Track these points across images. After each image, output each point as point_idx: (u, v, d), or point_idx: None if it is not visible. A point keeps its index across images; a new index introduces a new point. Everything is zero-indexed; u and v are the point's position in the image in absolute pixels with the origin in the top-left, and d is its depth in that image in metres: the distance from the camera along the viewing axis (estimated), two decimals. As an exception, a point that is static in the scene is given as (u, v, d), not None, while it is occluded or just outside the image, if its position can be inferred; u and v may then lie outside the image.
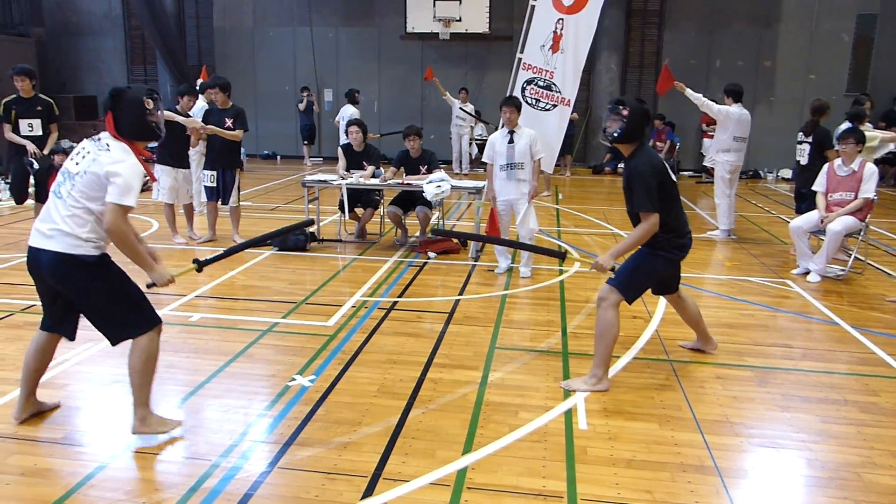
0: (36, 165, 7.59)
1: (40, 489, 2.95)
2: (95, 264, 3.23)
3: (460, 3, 15.35)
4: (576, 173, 15.41)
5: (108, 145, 3.17)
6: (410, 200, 7.68)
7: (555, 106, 6.82)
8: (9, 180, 8.64)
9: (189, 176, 7.89)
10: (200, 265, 3.81)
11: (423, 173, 7.52)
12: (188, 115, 7.63)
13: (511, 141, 6.30)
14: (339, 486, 3.02)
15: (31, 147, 7.51)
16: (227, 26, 17.17)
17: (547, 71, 6.78)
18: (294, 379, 4.12)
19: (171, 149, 7.52)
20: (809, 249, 6.79)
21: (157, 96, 3.32)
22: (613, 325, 4.05)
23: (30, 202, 8.21)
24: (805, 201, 7.42)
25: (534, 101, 6.89)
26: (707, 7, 15.74)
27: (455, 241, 7.58)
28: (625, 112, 3.92)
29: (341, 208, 7.62)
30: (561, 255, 4.60)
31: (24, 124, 7.53)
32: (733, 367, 4.46)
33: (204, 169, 7.93)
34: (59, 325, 3.44)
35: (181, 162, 7.71)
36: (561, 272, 6.76)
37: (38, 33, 16.03)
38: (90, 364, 4.32)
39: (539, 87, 6.84)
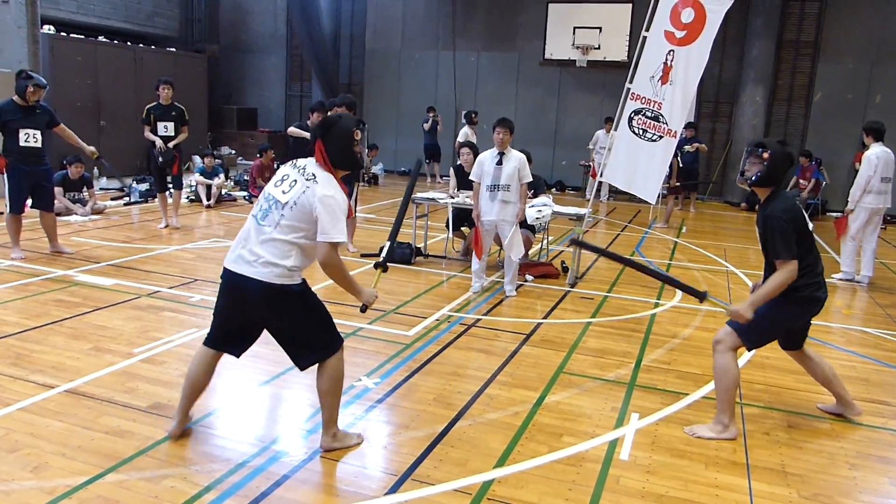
0: (161, 159, 8.72)
1: (117, 447, 3.42)
2: (300, 293, 3.28)
3: (600, 31, 15.33)
4: (708, 208, 14.79)
5: (314, 175, 3.21)
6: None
7: (661, 137, 6.72)
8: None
9: None
10: (384, 265, 3.77)
11: (529, 198, 7.64)
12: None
13: (500, 162, 6.33)
14: (369, 481, 3.24)
15: (159, 143, 8.67)
16: (378, 48, 18.20)
17: (655, 102, 6.70)
18: (360, 380, 4.41)
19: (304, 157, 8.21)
20: (940, 304, 6.19)
21: (365, 126, 3.48)
22: (730, 370, 3.87)
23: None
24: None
25: (641, 132, 6.83)
26: (868, 38, 14.64)
27: (553, 266, 7.63)
28: (765, 155, 3.79)
29: (448, 226, 7.91)
30: (701, 295, 4.05)
31: (160, 126, 8.75)
32: (810, 418, 4.22)
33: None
34: (230, 345, 3.47)
35: None
36: (656, 305, 6.62)
37: (212, 50, 17.85)
38: (191, 348, 4.86)
39: (647, 117, 6.78)
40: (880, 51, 14.60)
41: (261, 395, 4.19)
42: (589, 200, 14.87)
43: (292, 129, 8.39)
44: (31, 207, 7.28)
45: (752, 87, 15.20)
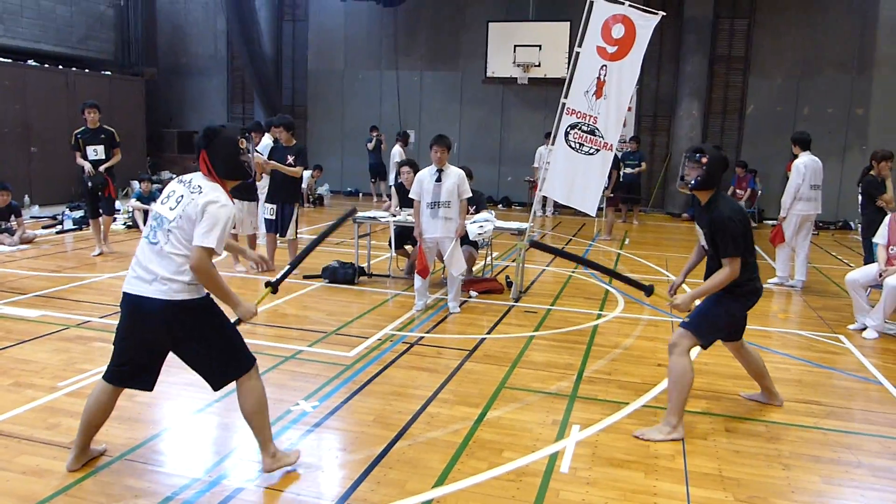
0: (90, 184, 8.59)
1: (34, 487, 3.23)
2: (201, 308, 3.22)
3: (540, 48, 15.56)
4: (650, 220, 15.09)
5: (199, 187, 3.16)
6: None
7: (598, 150, 6.82)
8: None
9: (254, 208, 8.40)
10: (274, 286, 3.66)
11: (471, 213, 7.65)
12: (256, 152, 8.17)
13: (439, 179, 6.41)
14: (303, 507, 3.14)
15: (87, 167, 8.53)
16: (320, 68, 18.12)
17: (590, 116, 6.81)
18: (297, 404, 4.30)
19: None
20: (867, 304, 6.40)
21: (250, 136, 3.39)
22: (687, 372, 3.99)
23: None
24: (868, 252, 7.04)
25: (577, 146, 6.92)
26: (795, 54, 15.26)
27: (498, 281, 7.65)
28: (704, 160, 3.99)
29: (391, 245, 7.85)
30: (648, 289, 4.34)
31: (90, 150, 8.61)
32: (747, 421, 4.28)
33: (265, 202, 8.38)
34: (135, 377, 3.34)
35: (247, 195, 8.22)
36: (598, 316, 6.68)
37: (150, 72, 17.47)
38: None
39: (583, 131, 6.88)
40: (806, 66, 15.23)
41: (193, 424, 4.04)
42: (534, 214, 15.20)
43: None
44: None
45: (688, 101, 15.65)
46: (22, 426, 3.87)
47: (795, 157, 8.04)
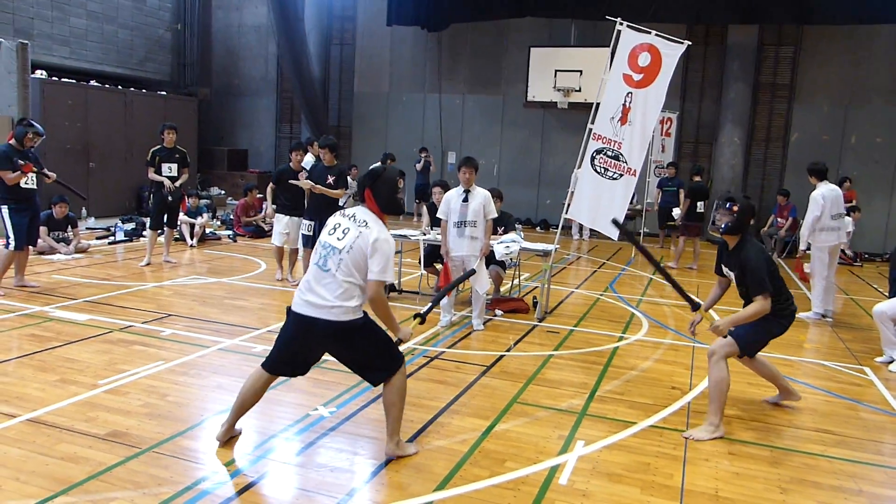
0: (170, 198, 9.21)
1: (70, 472, 3.54)
2: (363, 326, 3.68)
3: (581, 73, 15.75)
4: (688, 246, 14.99)
5: (365, 221, 3.63)
6: (486, 259, 8.00)
7: (621, 175, 6.96)
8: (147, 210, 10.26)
9: (299, 224, 8.78)
10: (422, 318, 4.11)
11: (500, 234, 7.85)
12: (301, 169, 8.63)
13: (465, 200, 6.61)
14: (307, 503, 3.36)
15: (167, 183, 9.06)
16: (366, 91, 18.64)
17: (615, 142, 6.96)
18: (316, 409, 4.54)
19: (285, 198, 8.57)
20: (895, 336, 6.34)
21: (404, 175, 3.95)
22: (724, 378, 4.47)
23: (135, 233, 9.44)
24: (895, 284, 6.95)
25: (602, 171, 7.07)
26: (842, 81, 15.08)
27: (524, 301, 7.80)
28: (735, 208, 4.50)
29: (420, 262, 8.09)
30: (696, 305, 4.60)
31: (164, 167, 9.13)
32: (752, 445, 4.34)
33: (304, 219, 8.71)
34: (290, 371, 3.89)
35: (294, 211, 8.62)
36: (620, 339, 6.77)
37: (204, 93, 18.28)
38: (155, 379, 4.99)
39: (608, 156, 7.03)
40: (853, 94, 15.02)
41: (215, 422, 4.30)
42: (574, 239, 15.31)
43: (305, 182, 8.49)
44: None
45: (731, 127, 15.57)
46: (63, 418, 4.20)
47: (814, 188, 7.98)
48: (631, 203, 15.19)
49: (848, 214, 13.16)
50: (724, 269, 4.78)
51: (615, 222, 5.04)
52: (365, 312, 3.72)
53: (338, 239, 3.63)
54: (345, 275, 3.57)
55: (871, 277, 11.98)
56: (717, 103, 15.84)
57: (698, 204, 11.41)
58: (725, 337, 4.52)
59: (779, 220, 14.29)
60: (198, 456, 3.81)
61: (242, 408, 3.88)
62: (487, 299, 8.06)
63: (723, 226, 4.53)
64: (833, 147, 15.11)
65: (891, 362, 6.27)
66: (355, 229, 3.60)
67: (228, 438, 3.94)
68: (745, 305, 4.60)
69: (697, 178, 11.86)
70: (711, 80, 15.94)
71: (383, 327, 3.81)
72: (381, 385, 3.83)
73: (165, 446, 3.89)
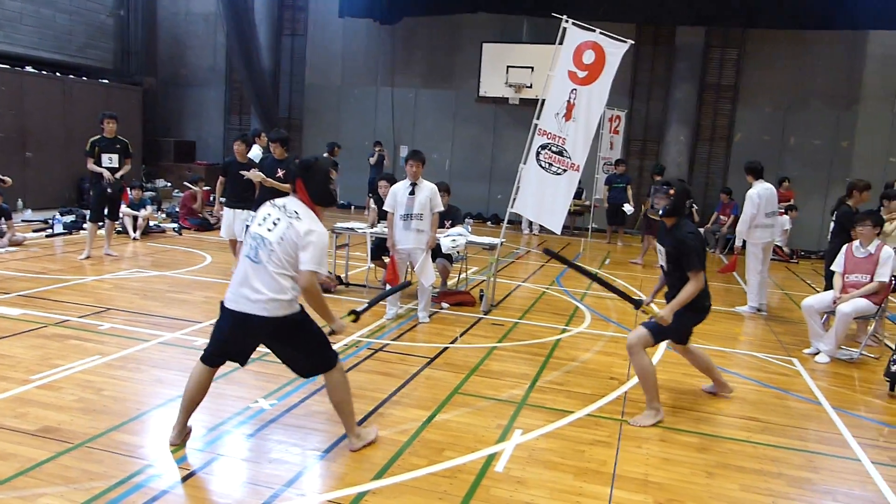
0: (109, 190, 8.96)
1: (-2, 465, 3.46)
2: (300, 321, 3.65)
3: (532, 70, 15.91)
4: (635, 241, 15.34)
5: (296, 213, 3.56)
6: (433, 252, 8.04)
7: (565, 171, 7.09)
8: (87, 202, 10.01)
9: (248, 216, 8.66)
10: (357, 315, 4.01)
11: (447, 228, 7.90)
12: (249, 160, 8.55)
13: (412, 192, 6.69)
14: (245, 495, 3.36)
15: (107, 174, 8.81)
16: (317, 83, 18.46)
17: (560, 137, 7.09)
18: (257, 401, 4.52)
19: (232, 191, 8.49)
20: (822, 329, 6.63)
21: (338, 166, 3.89)
22: (646, 365, 4.64)
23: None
24: (829, 280, 7.26)
25: (547, 165, 7.19)
26: (783, 84, 15.58)
27: (471, 294, 7.88)
28: (671, 192, 4.70)
29: (368, 255, 8.09)
30: (636, 303, 4.84)
31: (105, 158, 8.91)
32: (682, 433, 4.50)
33: (251, 212, 8.60)
34: (230, 359, 3.82)
35: (240, 203, 8.51)
36: (563, 331, 6.90)
37: (149, 82, 17.82)
38: (91, 374, 4.89)
39: (552, 152, 7.15)
40: (794, 97, 15.55)
41: (153, 416, 4.25)
42: (524, 233, 15.49)
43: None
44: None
45: (677, 127, 15.96)
46: (-9, 413, 4.09)
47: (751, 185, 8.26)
48: (580, 199, 15.56)
49: (786, 213, 13.67)
50: (658, 247, 4.90)
51: (547, 251, 5.14)
52: (301, 307, 3.69)
53: (268, 230, 3.57)
54: (276, 267, 3.52)
55: (805, 274, 12.45)
56: (665, 102, 16.20)
57: None
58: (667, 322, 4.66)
59: (721, 217, 14.72)
60: (133, 450, 3.76)
61: (191, 404, 3.81)
62: (434, 292, 8.12)
63: (661, 209, 4.71)
64: (773, 147, 15.63)
65: (816, 353, 6.55)
66: (286, 220, 3.54)
67: (183, 437, 3.84)
68: (667, 283, 4.87)
69: (658, 178, 12.01)
70: (659, 80, 16.28)
71: (319, 321, 3.80)
72: (324, 381, 3.87)
73: (99, 441, 3.83)
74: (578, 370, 5.70)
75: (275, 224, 3.56)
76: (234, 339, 3.69)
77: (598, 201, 15.01)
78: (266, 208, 3.69)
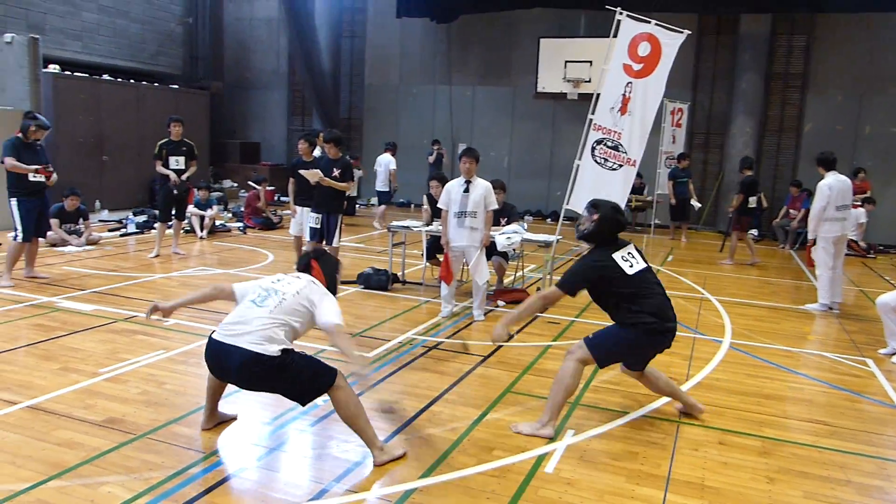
0: (175, 191, 9.31)
1: (65, 457, 3.62)
2: (281, 366, 3.52)
3: (591, 64, 15.66)
4: (701, 238, 14.92)
5: (314, 281, 3.87)
6: (489, 250, 8.01)
7: (621, 166, 6.94)
8: (157, 203, 10.37)
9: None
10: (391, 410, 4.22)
11: (503, 225, 7.86)
12: (313, 158, 8.75)
13: (466, 190, 6.62)
14: (296, 489, 3.42)
15: (173, 176, 9.16)
16: (376, 83, 18.67)
17: (615, 132, 6.94)
18: (311, 397, 4.59)
19: (300, 189, 8.78)
20: (898, 328, 6.28)
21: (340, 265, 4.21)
22: (568, 376, 4.19)
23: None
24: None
25: (602, 161, 7.06)
26: (857, 71, 14.86)
27: (527, 292, 7.82)
28: (595, 216, 4.21)
29: (424, 254, 8.13)
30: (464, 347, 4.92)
31: (172, 160, 9.28)
32: (742, 436, 4.34)
33: (311, 212, 8.74)
34: None
35: (310, 201, 8.69)
36: (620, 330, 6.75)
37: (216, 87, 18.40)
38: (155, 368, 5.07)
39: (608, 147, 7.01)
40: (868, 83, 14.81)
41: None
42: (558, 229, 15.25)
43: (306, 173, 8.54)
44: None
45: (743, 118, 15.42)
46: (62, 405, 4.30)
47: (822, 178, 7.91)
48: (641, 195, 15.24)
49: (862, 205, 13.03)
50: None
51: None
52: (289, 353, 3.56)
53: (285, 284, 3.77)
54: (282, 312, 3.61)
55: (884, 269, 11.84)
56: (729, 94, 15.69)
57: (750, 199, 11.15)
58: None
59: (791, 211, 14.16)
60: (190, 442, 3.89)
61: (213, 395, 3.98)
62: (490, 290, 8.10)
63: (582, 231, 4.28)
64: (847, 137, 14.93)
65: (894, 354, 6.22)
66: (305, 282, 3.80)
67: (216, 424, 4.03)
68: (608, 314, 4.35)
69: (749, 172, 11.58)
70: (723, 71, 15.78)
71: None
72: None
73: (159, 433, 3.97)
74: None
75: (290, 284, 3.77)
76: (215, 373, 3.74)
77: (660, 197, 14.67)
78: (281, 275, 3.90)
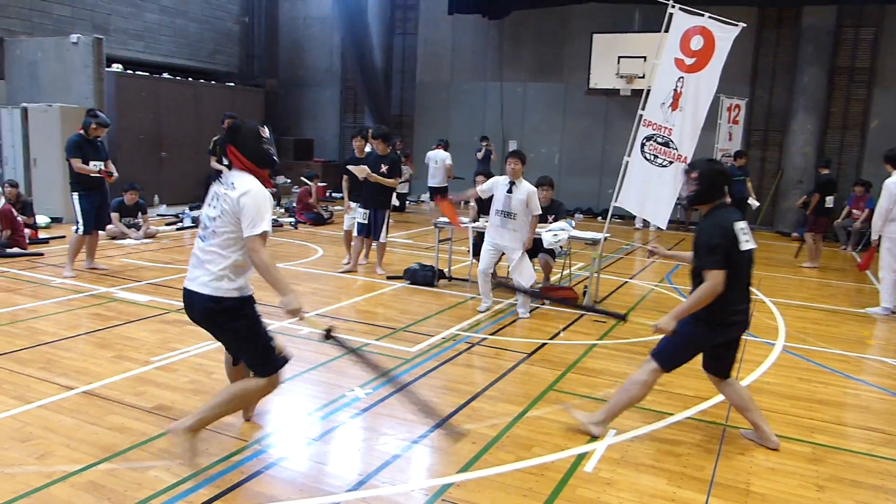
0: None
1: (115, 440, 3.76)
2: (245, 310, 3.49)
3: (644, 60, 15.36)
4: (758, 237, 14.48)
5: (232, 183, 3.41)
6: (535, 247, 7.96)
7: (671, 162, 6.78)
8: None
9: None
10: (328, 335, 3.59)
11: (550, 223, 7.78)
12: (365, 154, 8.82)
13: (510, 191, 6.56)
14: (335, 479, 3.47)
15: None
16: (427, 80, 18.74)
17: (665, 128, 6.79)
18: (352, 390, 4.65)
19: (353, 186, 8.85)
20: (965, 335, 5.98)
21: (269, 128, 3.70)
22: (635, 386, 4.03)
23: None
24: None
25: (652, 157, 6.91)
26: (928, 64, 14.19)
27: (574, 290, 7.74)
28: (693, 175, 3.91)
29: (470, 250, 8.12)
30: (621, 317, 4.45)
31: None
32: (792, 441, 4.20)
33: (359, 207, 8.82)
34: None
35: (360, 198, 8.80)
36: (669, 330, 6.62)
37: (271, 84, 18.77)
38: (204, 358, 5.21)
39: (658, 143, 6.86)
40: (941, 77, 14.14)
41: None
42: (637, 228, 15.05)
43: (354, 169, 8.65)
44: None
45: (804, 115, 14.90)
46: (115, 391, 4.45)
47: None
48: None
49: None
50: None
51: (500, 283, 4.61)
52: (251, 299, 3.52)
53: (213, 208, 3.46)
54: (218, 246, 3.39)
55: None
56: (790, 89, 15.17)
57: (827, 199, 10.66)
58: (673, 334, 3.92)
59: (854, 211, 13.61)
60: (234, 430, 3.98)
61: (232, 375, 3.98)
62: (536, 288, 8.04)
63: (686, 198, 3.96)
64: (916, 134, 14.25)
65: (960, 361, 5.93)
66: (223, 195, 3.40)
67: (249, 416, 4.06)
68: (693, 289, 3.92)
69: (825, 171, 11.14)
70: (784, 65, 15.27)
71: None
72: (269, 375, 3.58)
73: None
74: (681, 371, 5.33)
75: (217, 199, 3.44)
76: (192, 318, 3.59)
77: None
78: (213, 187, 3.56)
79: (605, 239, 7.59)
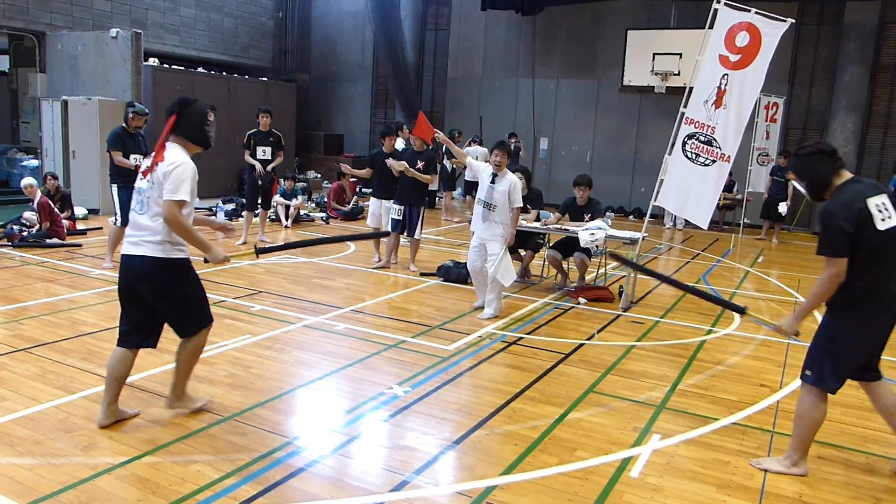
0: (260, 182, 9.61)
1: (159, 434, 3.76)
2: (180, 269, 3.71)
3: (680, 57, 15.13)
4: (794, 239, 14.21)
5: (164, 157, 3.56)
6: (571, 246, 7.87)
7: (714, 161, 6.63)
8: (244, 192, 10.57)
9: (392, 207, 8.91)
10: (259, 252, 4.26)
11: (586, 221, 7.68)
12: (395, 151, 8.80)
13: (493, 182, 6.44)
14: (377, 479, 3.43)
15: (258, 167, 9.39)
16: (459, 76, 18.66)
17: (709, 126, 6.64)
18: (391, 387, 4.61)
19: (379, 182, 8.85)
20: None
21: (216, 112, 3.92)
22: (809, 411, 3.62)
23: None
24: None
25: (693, 156, 6.77)
26: (976, 62, 13.76)
27: (609, 290, 7.63)
28: (792, 176, 3.71)
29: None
30: (740, 310, 4.16)
31: (259, 150, 9.50)
32: (844, 450, 4.07)
33: (393, 203, 8.78)
34: (139, 337, 3.81)
35: (387, 194, 8.78)
36: (709, 332, 6.50)
37: (303, 79, 18.85)
38: (242, 352, 5.21)
39: (700, 141, 6.72)
40: None
41: (294, 394, 4.46)
42: (667, 227, 14.84)
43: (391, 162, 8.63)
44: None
45: (844, 114, 14.57)
46: (156, 384, 4.47)
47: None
48: (731, 192, 14.62)
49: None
50: None
51: (613, 255, 4.96)
52: (187, 260, 3.72)
53: (145, 180, 3.63)
54: (152, 211, 3.58)
55: None
56: (830, 87, 14.84)
57: None
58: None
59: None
60: (274, 426, 3.96)
61: (116, 382, 3.80)
62: (570, 287, 7.95)
63: (804, 191, 3.64)
64: (962, 135, 13.85)
65: None
66: (158, 164, 3.57)
67: (114, 421, 3.81)
68: None
69: None
70: (824, 63, 14.93)
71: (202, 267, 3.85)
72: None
73: (245, 415, 4.07)
74: (724, 375, 5.34)
75: (149, 180, 3.62)
76: (124, 287, 3.70)
77: (750, 195, 14.04)
78: (146, 160, 3.71)
79: (644, 238, 7.47)
